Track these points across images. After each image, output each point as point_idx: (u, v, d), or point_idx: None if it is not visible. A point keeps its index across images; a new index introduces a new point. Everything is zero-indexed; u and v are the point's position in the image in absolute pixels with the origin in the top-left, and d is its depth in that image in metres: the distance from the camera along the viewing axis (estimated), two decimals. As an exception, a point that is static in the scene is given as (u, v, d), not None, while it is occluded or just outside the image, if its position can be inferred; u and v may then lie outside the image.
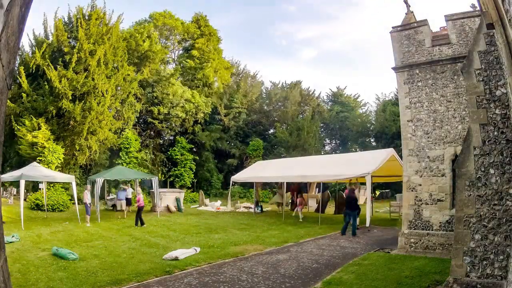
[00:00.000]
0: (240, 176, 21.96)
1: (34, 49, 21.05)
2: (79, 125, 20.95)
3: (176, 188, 26.71)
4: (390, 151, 16.08)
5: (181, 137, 30.51)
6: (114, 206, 20.56)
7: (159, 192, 20.99)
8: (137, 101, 26.52)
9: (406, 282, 6.66)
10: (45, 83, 20.24)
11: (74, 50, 20.84)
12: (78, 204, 16.16)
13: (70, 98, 20.46)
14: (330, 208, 22.49)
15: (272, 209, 22.89)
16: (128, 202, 18.98)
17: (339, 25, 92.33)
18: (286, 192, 21.78)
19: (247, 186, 30.37)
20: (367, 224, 13.82)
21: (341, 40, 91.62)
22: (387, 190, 30.71)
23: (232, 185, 27.90)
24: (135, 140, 25.97)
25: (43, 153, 19.26)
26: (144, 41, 27.10)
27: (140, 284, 6.73)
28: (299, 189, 21.57)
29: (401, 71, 10.24)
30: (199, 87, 32.68)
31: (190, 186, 30.00)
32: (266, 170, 21.03)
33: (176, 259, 8.50)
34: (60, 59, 20.73)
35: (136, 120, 28.18)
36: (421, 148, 9.69)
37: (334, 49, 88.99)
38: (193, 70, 33.07)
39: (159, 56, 29.37)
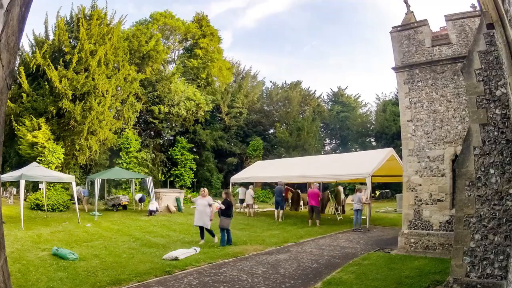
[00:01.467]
0: (239, 176, 21.87)
1: (34, 49, 21.05)
2: (79, 125, 20.95)
3: (176, 188, 26.75)
4: (389, 151, 16.04)
5: (181, 137, 30.53)
6: (114, 206, 20.58)
7: (160, 192, 21.11)
8: (138, 101, 26.53)
9: (406, 282, 6.66)
10: (45, 83, 20.24)
11: (75, 50, 20.84)
12: (78, 204, 16.18)
13: (70, 98, 20.46)
14: (330, 208, 22.47)
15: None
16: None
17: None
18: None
19: (247, 186, 30.37)
20: (367, 226, 13.78)
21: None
22: (387, 190, 30.72)
23: (233, 185, 27.91)
24: (135, 140, 25.98)
25: (43, 153, 19.26)
26: (147, 42, 27.12)
27: (140, 284, 6.72)
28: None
29: (401, 71, 10.24)
30: (200, 86, 32.74)
31: (190, 186, 30.00)
32: (266, 170, 20.98)
33: (176, 259, 8.50)
34: (61, 59, 20.73)
35: (136, 120, 28.19)
36: (421, 148, 9.70)
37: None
38: (196, 69, 33.13)
39: (162, 56, 29.40)
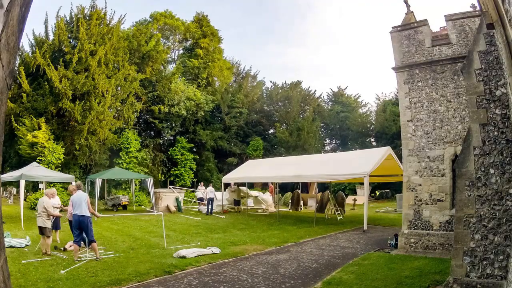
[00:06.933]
0: (231, 176, 21.16)
1: (34, 49, 21.05)
2: (79, 125, 20.95)
3: (176, 187, 26.73)
4: (386, 150, 15.67)
5: (181, 137, 30.52)
6: (114, 206, 20.58)
7: (160, 192, 21.12)
8: (138, 101, 26.53)
9: (406, 282, 6.66)
10: (45, 83, 20.25)
11: (75, 50, 20.85)
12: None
13: (71, 98, 20.46)
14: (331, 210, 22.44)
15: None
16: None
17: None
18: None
19: (245, 185, 30.36)
20: (365, 227, 13.73)
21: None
22: (387, 190, 30.71)
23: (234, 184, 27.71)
24: (135, 140, 25.98)
25: (43, 153, 19.26)
26: (147, 42, 27.11)
27: (140, 284, 6.73)
28: None
29: (401, 71, 10.24)
30: (201, 86, 32.75)
31: (190, 186, 30.00)
32: (258, 169, 20.32)
33: (184, 257, 8.60)
34: (61, 59, 20.72)
35: (136, 120, 28.17)
36: (421, 148, 9.70)
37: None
38: (196, 69, 33.12)
39: (162, 56, 29.39)
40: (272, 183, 21.58)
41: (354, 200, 25.21)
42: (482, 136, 5.55)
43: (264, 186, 31.27)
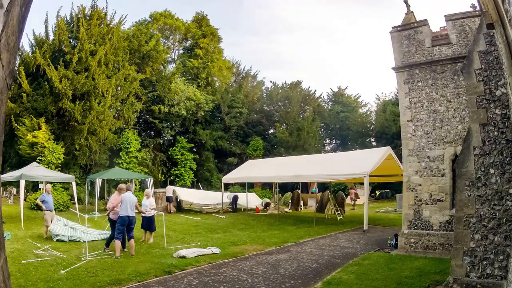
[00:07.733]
0: (231, 177, 21.13)
1: (34, 49, 21.04)
2: (79, 125, 20.95)
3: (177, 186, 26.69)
4: (386, 150, 15.67)
5: (181, 137, 30.51)
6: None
7: (160, 192, 21.12)
8: (138, 101, 26.52)
9: (406, 282, 6.66)
10: (46, 83, 20.24)
11: (75, 50, 20.83)
12: (78, 204, 16.17)
13: (71, 98, 20.45)
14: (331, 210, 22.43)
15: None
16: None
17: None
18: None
19: (245, 185, 30.37)
20: (365, 227, 13.72)
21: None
22: (387, 190, 30.71)
23: (233, 185, 27.72)
24: (135, 140, 25.97)
25: (43, 153, 19.25)
26: (147, 42, 27.10)
27: (140, 284, 6.73)
28: None
29: (401, 71, 10.24)
30: (200, 86, 32.74)
31: (190, 186, 30.01)
32: (259, 169, 20.29)
33: (184, 257, 8.56)
34: (61, 59, 20.71)
35: (136, 120, 28.16)
36: (421, 148, 9.70)
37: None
38: (196, 69, 33.13)
39: (162, 56, 29.37)
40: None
41: (355, 196, 25.16)
42: (482, 136, 5.55)
43: (264, 187, 31.28)
